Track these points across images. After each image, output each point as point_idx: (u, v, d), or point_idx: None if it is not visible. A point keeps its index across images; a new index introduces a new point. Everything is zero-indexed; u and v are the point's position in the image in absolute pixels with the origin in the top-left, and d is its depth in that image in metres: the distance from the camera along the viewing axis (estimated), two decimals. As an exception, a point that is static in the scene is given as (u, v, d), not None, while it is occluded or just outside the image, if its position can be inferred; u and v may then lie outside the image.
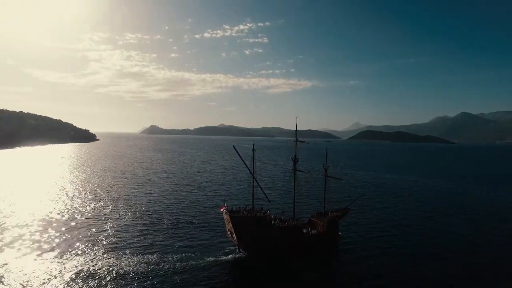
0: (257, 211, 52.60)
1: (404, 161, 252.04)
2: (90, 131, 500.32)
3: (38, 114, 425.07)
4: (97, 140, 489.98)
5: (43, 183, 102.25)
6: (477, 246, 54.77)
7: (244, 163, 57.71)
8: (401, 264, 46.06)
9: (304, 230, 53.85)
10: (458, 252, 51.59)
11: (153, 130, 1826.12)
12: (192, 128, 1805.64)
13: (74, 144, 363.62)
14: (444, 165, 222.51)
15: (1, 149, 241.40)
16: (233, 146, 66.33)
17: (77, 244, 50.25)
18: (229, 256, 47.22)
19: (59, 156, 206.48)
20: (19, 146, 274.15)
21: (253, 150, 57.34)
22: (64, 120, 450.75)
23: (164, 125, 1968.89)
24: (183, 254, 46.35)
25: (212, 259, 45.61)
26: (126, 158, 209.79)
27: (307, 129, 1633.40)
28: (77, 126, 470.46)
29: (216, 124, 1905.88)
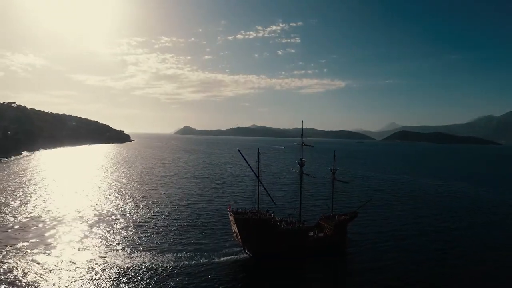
0: (262, 213, 53.31)
1: (430, 164, 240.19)
2: (125, 132, 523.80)
3: (78, 116, 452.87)
4: (131, 140, 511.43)
5: (65, 181, 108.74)
6: (503, 265, 48.98)
7: (250, 166, 58.65)
8: (408, 273, 44.75)
9: (311, 233, 54.22)
10: (475, 271, 46.61)
11: (186, 131, 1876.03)
12: (224, 129, 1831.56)
13: (109, 144, 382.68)
14: (477, 168, 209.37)
15: (44, 149, 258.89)
16: (238, 150, 67.29)
17: (83, 240, 53.33)
18: (235, 257, 48.60)
19: (91, 156, 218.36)
20: (59, 147, 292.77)
21: (258, 153, 58.31)
22: (101, 121, 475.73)
23: (197, 125, 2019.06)
24: (189, 254, 48.25)
25: (218, 259, 47.18)
26: (152, 158, 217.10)
27: (340, 129, 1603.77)
28: (113, 127, 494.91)
29: (248, 125, 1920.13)
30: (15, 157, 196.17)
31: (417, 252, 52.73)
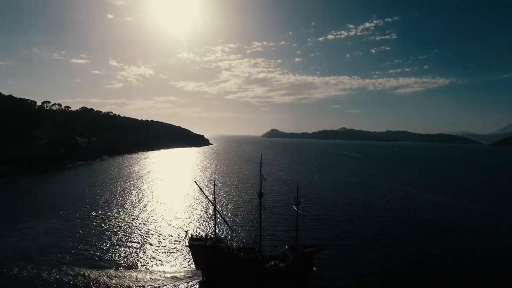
0: (219, 239, 54.48)
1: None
2: (205, 136, 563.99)
3: (164, 122, 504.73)
4: (210, 144, 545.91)
5: (95, 189, 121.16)
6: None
7: (206, 196, 63.27)
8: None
9: (272, 263, 53.68)
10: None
11: (273, 133, 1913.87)
12: (311, 132, 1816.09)
13: (184, 148, 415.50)
14: None
15: (125, 154, 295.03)
16: (195, 182, 70.01)
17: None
18: (191, 280, 50.75)
19: (150, 162, 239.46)
20: (139, 152, 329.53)
21: (214, 185, 62.41)
22: (195, 125, 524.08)
23: (285, 128, 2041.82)
24: (146, 273, 51.89)
25: (173, 282, 49.61)
26: (199, 167, 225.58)
27: (438, 133, 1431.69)
28: (194, 132, 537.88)
29: (337, 128, 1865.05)
30: (92, 161, 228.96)
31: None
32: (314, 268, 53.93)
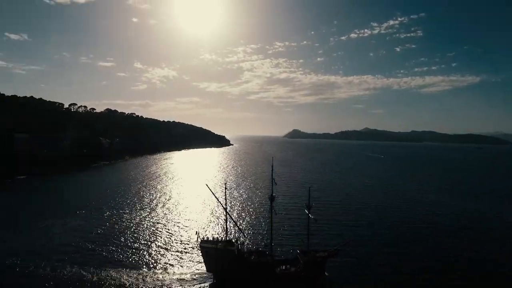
0: (230, 242, 54.78)
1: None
2: (226, 137, 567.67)
3: (185, 123, 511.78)
4: (231, 145, 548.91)
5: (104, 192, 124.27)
6: None
7: (217, 199, 63.64)
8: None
9: (283, 267, 53.31)
10: None
11: (295, 134, 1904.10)
12: (333, 132, 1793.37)
13: (205, 149, 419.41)
14: None
15: (150, 155, 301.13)
16: (206, 185, 70.53)
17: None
18: (202, 281, 51.15)
19: (169, 162, 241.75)
20: (161, 152, 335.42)
21: (225, 188, 64.48)
22: (217, 125, 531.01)
23: (307, 128, 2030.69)
24: (156, 274, 52.76)
25: (183, 284, 50.33)
26: (216, 167, 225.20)
27: (467, 133, 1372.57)
28: (215, 133, 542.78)
29: (359, 128, 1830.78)
30: (115, 161, 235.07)
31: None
32: (326, 273, 53.15)
